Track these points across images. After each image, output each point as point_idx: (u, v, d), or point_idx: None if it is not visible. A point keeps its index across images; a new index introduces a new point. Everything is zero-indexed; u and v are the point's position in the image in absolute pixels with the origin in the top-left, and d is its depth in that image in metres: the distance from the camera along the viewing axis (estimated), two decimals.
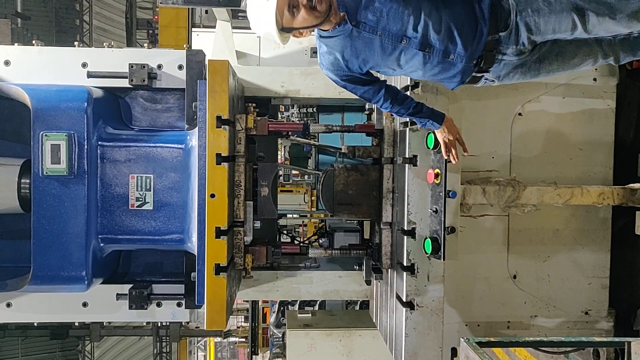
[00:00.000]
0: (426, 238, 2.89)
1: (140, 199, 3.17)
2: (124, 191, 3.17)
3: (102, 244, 3.19)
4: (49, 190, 3.05)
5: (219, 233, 2.96)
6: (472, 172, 3.24)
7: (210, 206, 2.97)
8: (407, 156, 3.00)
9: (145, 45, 3.55)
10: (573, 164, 3.32)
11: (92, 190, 3.10)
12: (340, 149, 4.49)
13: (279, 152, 8.54)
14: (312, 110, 7.37)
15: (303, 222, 14.15)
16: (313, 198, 11.94)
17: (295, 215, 13.20)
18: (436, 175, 2.87)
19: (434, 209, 2.91)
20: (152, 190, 3.18)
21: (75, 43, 3.56)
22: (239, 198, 3.26)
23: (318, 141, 5.92)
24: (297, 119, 8.11)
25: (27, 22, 12.94)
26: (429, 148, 2.91)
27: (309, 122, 8.35)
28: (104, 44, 3.48)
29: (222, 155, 2.98)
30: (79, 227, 3.09)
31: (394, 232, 3.28)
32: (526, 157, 3.31)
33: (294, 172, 12.71)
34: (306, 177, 13.21)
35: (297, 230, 14.08)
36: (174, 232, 3.21)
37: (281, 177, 12.80)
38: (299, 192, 12.56)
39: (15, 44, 3.47)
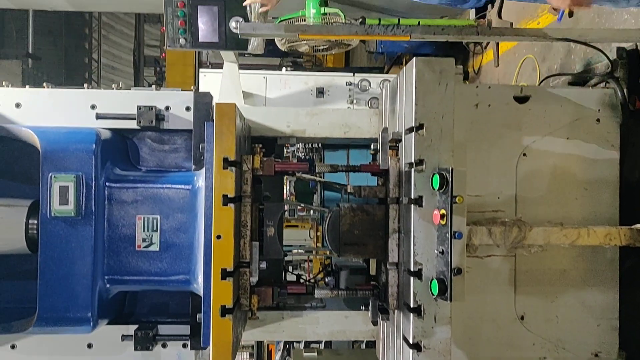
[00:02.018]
0: (433, 279, 2.88)
1: (147, 240, 3.18)
2: (131, 232, 3.18)
3: (108, 285, 3.18)
4: (57, 232, 3.06)
5: (224, 274, 2.95)
6: (478, 213, 3.24)
7: (217, 247, 2.97)
8: (412, 197, 3.01)
9: (153, 86, 3.61)
10: (579, 204, 3.32)
11: (99, 231, 3.12)
12: (346, 186, 4.51)
13: (285, 187, 8.57)
14: (318, 145, 7.45)
15: (308, 257, 14.09)
16: (319, 234, 11.91)
17: (300, 251, 13.14)
18: (442, 216, 2.87)
19: (441, 250, 2.90)
20: (158, 231, 3.19)
21: (85, 85, 3.62)
22: (245, 238, 3.26)
23: (323, 178, 5.96)
24: (302, 154, 8.18)
25: (37, 62, 13.20)
26: (434, 189, 2.92)
27: (314, 156, 8.43)
28: (113, 85, 3.55)
29: (229, 196, 2.99)
30: (86, 268, 3.09)
31: (400, 273, 3.27)
32: (532, 197, 3.31)
33: (299, 207, 12.72)
34: (311, 212, 13.19)
35: (302, 265, 14.00)
36: (180, 273, 3.21)
37: (286, 213, 12.80)
38: (304, 227, 12.52)
39: (27, 86, 3.53)
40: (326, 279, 4.55)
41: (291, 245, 12.96)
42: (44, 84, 3.56)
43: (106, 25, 17.82)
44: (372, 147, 3.79)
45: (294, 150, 8.23)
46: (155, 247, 3.19)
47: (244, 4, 3.13)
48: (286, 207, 11.73)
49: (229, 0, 3.39)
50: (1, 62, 9.12)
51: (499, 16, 6.16)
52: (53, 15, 12.78)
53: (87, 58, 17.60)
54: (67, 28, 16.31)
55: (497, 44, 6.41)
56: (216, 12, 3.40)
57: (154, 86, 3.67)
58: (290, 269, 12.51)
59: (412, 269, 2.98)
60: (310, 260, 14.06)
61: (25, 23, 12.63)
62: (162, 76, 17.80)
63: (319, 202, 7.22)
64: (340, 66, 8.91)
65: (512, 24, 5.84)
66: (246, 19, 3.26)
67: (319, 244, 11.78)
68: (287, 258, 12.14)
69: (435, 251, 2.94)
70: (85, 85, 3.67)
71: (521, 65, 5.60)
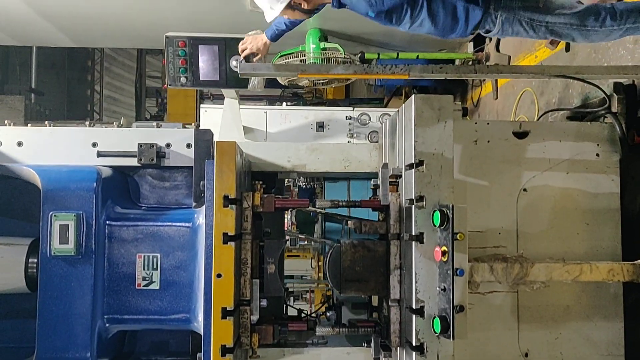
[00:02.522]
0: (435, 317, 2.85)
1: (147, 279, 3.16)
2: (131, 270, 3.16)
3: (107, 325, 3.15)
4: (56, 271, 3.05)
5: (225, 314, 2.93)
6: (479, 249, 3.23)
7: (217, 286, 2.96)
8: (413, 233, 3.01)
9: (154, 123, 3.63)
10: (580, 239, 3.31)
11: (99, 270, 3.10)
12: (347, 218, 4.52)
13: (286, 216, 8.54)
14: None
15: (310, 287, 13.99)
16: (320, 263, 11.83)
17: (302, 283, 13.05)
18: (443, 253, 2.86)
19: (443, 287, 2.88)
20: (159, 269, 3.18)
21: (87, 122, 3.64)
22: (246, 276, 3.24)
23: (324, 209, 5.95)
24: (303, 184, 8.21)
25: (40, 97, 13.28)
26: (435, 226, 2.92)
27: (315, 186, 8.44)
28: (114, 122, 3.57)
29: (229, 234, 2.99)
30: (85, 307, 3.07)
31: (402, 309, 3.24)
32: (533, 232, 3.30)
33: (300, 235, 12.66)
34: (313, 242, 13.13)
35: (304, 296, 13.88)
36: (180, 312, 3.18)
37: (288, 242, 12.73)
38: (305, 257, 12.44)
39: (29, 124, 3.56)
40: (328, 313, 4.51)
41: (292, 277, 12.87)
42: (46, 122, 3.59)
43: (108, 57, 17.97)
44: (372, 182, 3.80)
45: (295, 179, 8.25)
46: (155, 286, 3.17)
47: (241, 57, 3.22)
48: (287, 238, 11.70)
49: (229, 40, 3.44)
50: (4, 98, 9.20)
51: (497, 49, 6.22)
52: (56, 48, 12.91)
53: (90, 90, 17.73)
54: (70, 60, 16.47)
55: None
56: (217, 51, 3.45)
57: (155, 122, 3.70)
58: (291, 299, 12.40)
59: (414, 307, 2.96)
60: (312, 291, 13.96)
61: (29, 58, 12.77)
62: (164, 107, 17.89)
63: (320, 232, 7.18)
64: (341, 97, 8.98)
65: (509, 57, 5.90)
66: (247, 58, 3.30)
67: (321, 274, 11.71)
68: (289, 288, 12.05)
69: (437, 288, 2.92)
70: (87, 122, 3.70)
71: (520, 99, 5.64)
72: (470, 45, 6.60)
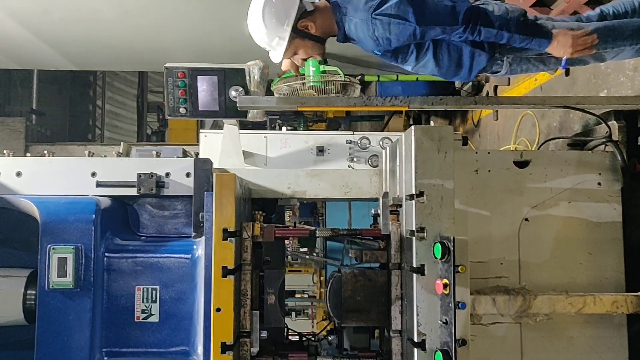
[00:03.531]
0: (437, 350, 2.81)
1: (146, 311, 3.14)
2: (130, 303, 3.14)
3: (105, 358, 3.12)
4: (54, 304, 3.02)
5: (224, 348, 2.90)
6: (481, 279, 3.20)
7: (216, 320, 2.92)
8: (414, 265, 2.98)
9: (154, 152, 3.62)
10: (584, 269, 3.28)
11: (97, 303, 3.08)
12: (348, 236, 4.49)
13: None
14: None
15: (312, 303, 13.94)
16: (322, 278, 11.81)
17: (305, 295, 13.00)
18: (445, 286, 2.82)
19: (444, 320, 2.85)
20: (157, 301, 3.15)
21: (86, 152, 3.64)
22: (245, 307, 3.21)
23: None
24: (305, 201, 8.16)
25: (41, 118, 13.29)
26: (436, 258, 2.89)
27: (316, 205, 8.37)
28: (114, 152, 3.57)
29: (228, 268, 2.96)
30: (83, 341, 3.04)
31: (403, 340, 3.21)
32: (535, 263, 3.27)
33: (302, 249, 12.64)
34: (313, 256, 13.12)
35: (306, 311, 13.83)
36: (179, 345, 3.15)
37: (289, 257, 12.73)
38: (307, 272, 12.41)
39: (28, 154, 3.56)
40: (329, 337, 4.48)
41: (294, 292, 12.79)
42: (45, 151, 3.59)
43: (110, 73, 18.04)
44: (372, 211, 3.78)
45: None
46: (154, 319, 3.14)
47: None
48: (289, 248, 11.67)
49: (228, 70, 3.43)
50: (5, 120, 9.21)
51: None
52: None
53: (92, 105, 17.79)
54: (72, 76, 16.54)
55: None
56: (216, 82, 3.45)
57: (154, 151, 3.70)
58: (293, 315, 12.29)
59: (415, 340, 2.92)
60: (314, 305, 13.91)
61: (30, 77, 12.80)
62: (166, 122, 17.96)
63: (322, 249, 7.10)
64: (342, 115, 9.00)
65: (509, 79, 5.89)
66: (245, 88, 3.29)
67: (322, 289, 11.67)
68: (291, 304, 11.98)
69: (439, 321, 2.88)
70: (86, 150, 3.69)
71: (520, 121, 5.62)
72: None
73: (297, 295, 13.04)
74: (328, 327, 4.79)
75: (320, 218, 12.17)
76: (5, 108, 11.67)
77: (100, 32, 5.71)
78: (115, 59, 6.59)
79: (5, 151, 3.50)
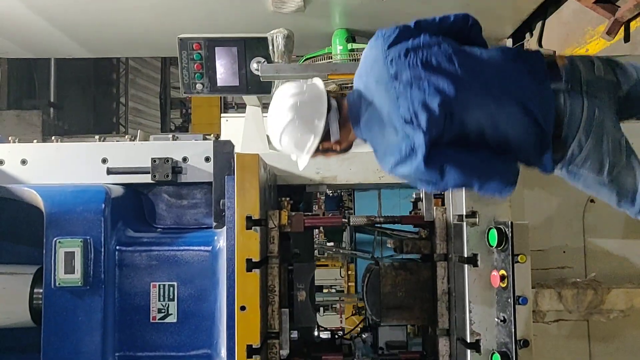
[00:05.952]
0: (494, 352, 2.50)
1: (163, 311, 2.83)
2: (145, 302, 2.84)
3: None
4: (62, 304, 2.74)
5: (250, 352, 2.57)
6: (542, 270, 2.81)
7: (241, 320, 2.60)
8: (465, 255, 2.62)
9: (171, 135, 3.30)
10: None
11: (108, 302, 2.78)
12: (380, 228, 4.14)
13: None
14: None
15: (340, 297, 13.68)
16: (350, 272, 11.51)
17: (332, 290, 12.74)
18: (502, 278, 2.49)
19: (502, 318, 2.51)
20: (175, 300, 2.84)
21: (97, 137, 3.33)
22: (273, 305, 2.88)
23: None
24: (330, 192, 7.89)
25: (60, 112, 13.13)
26: (491, 246, 2.53)
27: (342, 194, 8.07)
28: (126, 136, 3.26)
29: (253, 260, 2.63)
30: (95, 344, 2.75)
31: (452, 342, 2.85)
32: (603, 251, 2.88)
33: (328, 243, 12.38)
34: (341, 250, 12.85)
35: (334, 306, 13.58)
36: (200, 348, 2.84)
37: (316, 251, 12.47)
38: (334, 266, 12.15)
39: (34, 141, 3.27)
40: (363, 335, 4.15)
41: (322, 287, 12.49)
42: (52, 137, 3.30)
43: (133, 70, 18.00)
44: (414, 195, 3.40)
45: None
46: (172, 319, 2.84)
47: None
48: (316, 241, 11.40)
49: (249, 40, 3.07)
50: (20, 113, 9.01)
51: (539, 44, 5.78)
52: (81, 64, 12.80)
53: (115, 103, 17.75)
54: (96, 75, 16.48)
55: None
56: (236, 54, 3.08)
57: (171, 134, 3.38)
58: (321, 310, 12.05)
59: (468, 340, 2.59)
60: (342, 300, 13.63)
61: (48, 71, 12.69)
62: (188, 118, 17.80)
63: (349, 242, 6.80)
64: None
65: (555, 52, 5.45)
66: (269, 59, 2.94)
67: (351, 284, 11.37)
68: (318, 299, 11.70)
69: (496, 319, 2.54)
70: (97, 137, 3.39)
71: None
72: (509, 42, 6.18)
73: (325, 291, 12.79)
74: (360, 325, 4.48)
75: (347, 210, 11.86)
76: (23, 102, 11.52)
77: (112, 16, 5.50)
78: (130, 43, 6.34)
79: (10, 138, 3.22)
